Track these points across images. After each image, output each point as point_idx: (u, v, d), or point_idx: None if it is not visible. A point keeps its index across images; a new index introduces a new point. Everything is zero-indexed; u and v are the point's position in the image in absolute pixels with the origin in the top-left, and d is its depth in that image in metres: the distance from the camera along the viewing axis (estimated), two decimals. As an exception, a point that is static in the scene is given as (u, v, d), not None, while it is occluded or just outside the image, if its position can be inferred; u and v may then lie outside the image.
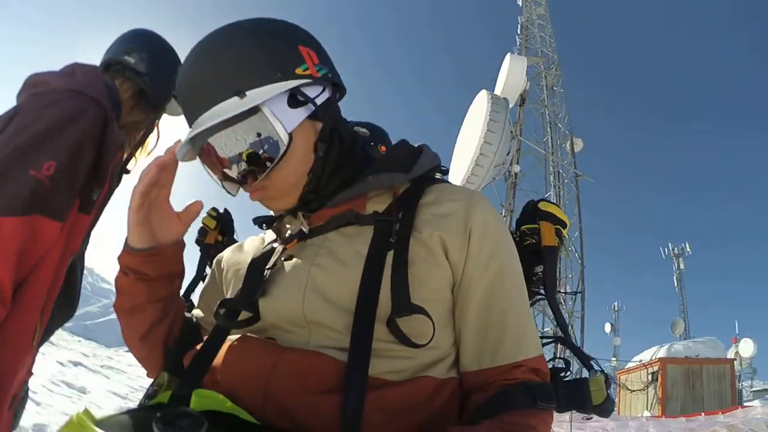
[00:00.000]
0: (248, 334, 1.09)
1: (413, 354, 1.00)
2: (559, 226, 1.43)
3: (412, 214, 1.12)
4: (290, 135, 1.08)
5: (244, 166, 1.11)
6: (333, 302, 1.03)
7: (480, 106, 19.66)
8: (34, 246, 1.57)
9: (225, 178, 1.16)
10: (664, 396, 21.16)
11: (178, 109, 1.83)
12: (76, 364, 10.19)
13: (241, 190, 1.18)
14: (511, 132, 20.23)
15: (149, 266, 1.17)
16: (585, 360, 1.25)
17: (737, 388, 22.29)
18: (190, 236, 1.82)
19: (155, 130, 2.26)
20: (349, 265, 1.05)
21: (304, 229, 1.15)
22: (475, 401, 1.03)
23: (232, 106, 1.05)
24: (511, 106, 20.47)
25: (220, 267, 1.36)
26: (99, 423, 0.68)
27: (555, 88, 24.15)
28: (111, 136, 1.80)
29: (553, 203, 1.49)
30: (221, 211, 2.21)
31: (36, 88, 1.77)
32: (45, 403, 6.99)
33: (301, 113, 1.11)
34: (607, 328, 37.72)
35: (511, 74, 21.49)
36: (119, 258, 1.19)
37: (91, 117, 1.73)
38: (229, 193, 1.18)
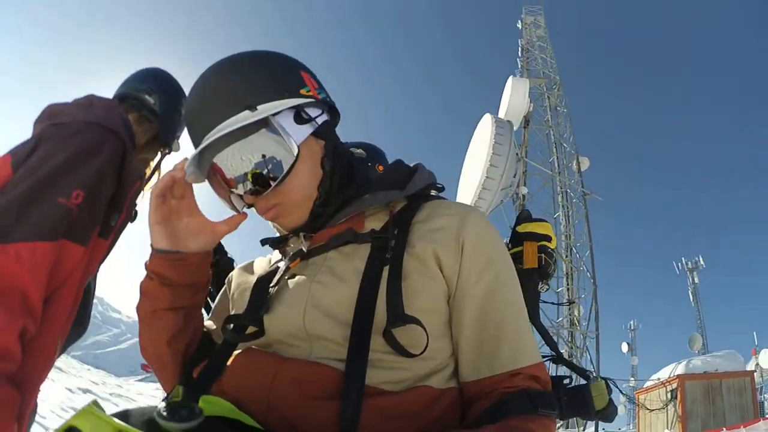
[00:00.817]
0: (253, 347, 1.13)
1: (409, 365, 1.03)
2: (544, 242, 1.45)
3: (407, 230, 1.15)
4: (298, 148, 1.14)
5: (249, 185, 1.16)
6: (332, 316, 1.06)
7: (485, 130, 19.71)
8: (60, 268, 1.65)
9: (232, 196, 1.21)
10: (684, 413, 20.77)
11: (178, 145, 2.02)
12: (85, 391, 10.13)
13: (252, 210, 1.23)
14: (517, 154, 20.19)
15: (173, 271, 1.18)
16: (581, 372, 1.28)
17: (759, 400, 21.88)
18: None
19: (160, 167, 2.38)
20: (348, 281, 1.08)
21: (303, 249, 1.19)
22: (476, 409, 1.04)
23: (243, 117, 1.11)
24: (515, 128, 20.51)
25: (230, 284, 1.41)
26: (119, 414, 0.73)
27: (558, 108, 24.15)
28: (130, 166, 1.89)
29: (535, 219, 1.52)
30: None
31: (55, 118, 1.86)
32: (53, 428, 6.82)
33: (307, 129, 1.19)
34: (624, 347, 37.14)
35: (514, 97, 21.54)
36: (146, 264, 1.21)
37: (111, 148, 1.82)
38: (235, 210, 1.21)
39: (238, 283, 1.35)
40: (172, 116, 2.29)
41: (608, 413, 1.19)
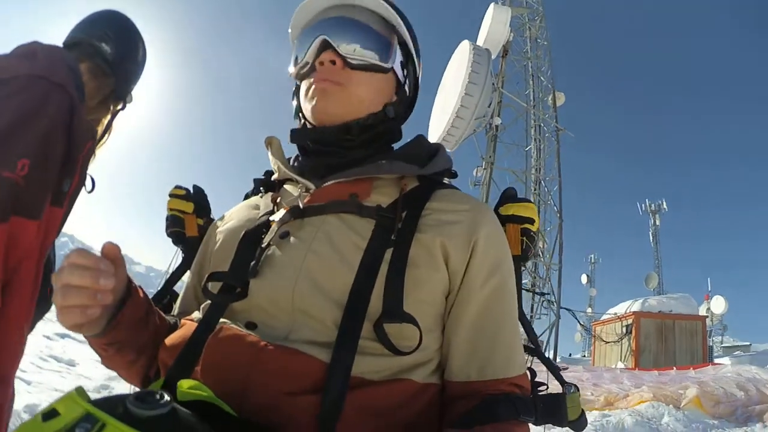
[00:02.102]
0: (228, 322, 1.03)
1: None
2: (527, 224, 1.40)
3: (418, 215, 1.12)
4: (391, 68, 1.25)
5: (344, 47, 1.19)
6: (324, 293, 1.01)
7: (462, 58, 19.52)
8: (15, 247, 1.55)
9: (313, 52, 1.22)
10: (638, 348, 21.66)
11: (131, 97, 2.12)
12: (62, 336, 9.99)
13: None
14: (493, 84, 20.12)
15: (115, 336, 1.07)
16: (555, 372, 1.31)
17: (708, 344, 22.83)
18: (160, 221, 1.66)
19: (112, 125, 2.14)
20: (346, 257, 1.04)
21: (300, 205, 1.13)
22: (459, 408, 1.02)
23: (396, 19, 1.26)
24: (493, 57, 20.30)
25: (211, 237, 1.32)
26: (93, 401, 0.70)
27: (539, 40, 23.86)
28: (80, 125, 1.71)
29: (519, 200, 1.45)
30: (190, 189, 1.75)
31: None
32: (35, 381, 6.82)
33: (401, 72, 1.29)
34: (584, 279, 38.78)
35: (494, 25, 21.29)
36: (90, 344, 1.13)
37: (57, 105, 1.65)
38: (298, 71, 1.26)
39: (222, 235, 1.26)
40: (129, 66, 2.05)
41: (579, 424, 1.21)
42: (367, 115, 1.21)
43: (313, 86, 1.20)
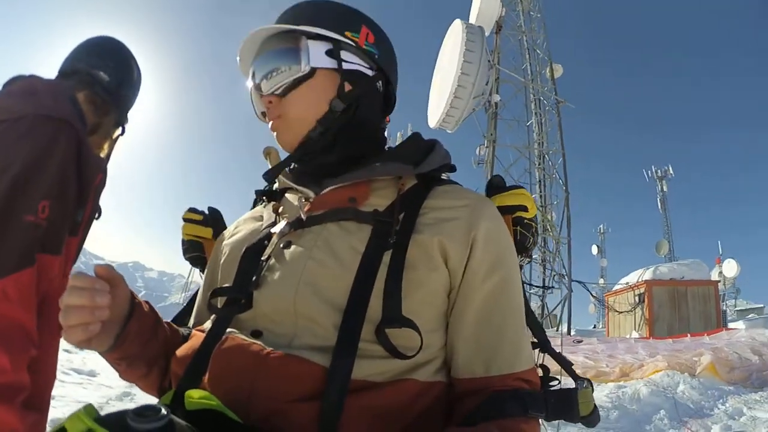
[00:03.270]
0: (235, 332, 1.06)
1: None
2: (519, 213, 1.37)
3: (415, 215, 1.12)
4: (313, 69, 1.21)
5: (266, 85, 1.24)
6: (325, 299, 1.03)
7: (455, 37, 19.38)
8: (41, 283, 1.62)
9: (257, 97, 1.30)
10: (651, 317, 21.62)
11: (127, 119, 2.18)
12: (81, 348, 10.10)
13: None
14: (489, 61, 19.93)
15: (125, 351, 1.13)
16: (567, 366, 1.28)
17: (721, 309, 22.77)
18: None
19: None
20: (345, 262, 1.05)
21: (302, 217, 1.15)
22: (465, 406, 1.02)
23: (285, 26, 1.23)
24: (486, 34, 20.19)
25: (219, 252, 1.35)
26: (96, 418, 0.72)
27: (532, 13, 23.60)
28: (88, 157, 1.79)
29: (509, 187, 1.42)
30: (206, 211, 1.74)
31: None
32: (59, 395, 6.80)
33: (329, 62, 1.23)
34: (594, 250, 38.86)
35: (486, 1, 21.06)
36: (106, 360, 1.18)
37: (66, 142, 1.70)
38: (260, 117, 1.32)
39: (227, 249, 1.30)
40: (126, 92, 2.12)
41: (592, 419, 1.18)
42: (315, 123, 1.22)
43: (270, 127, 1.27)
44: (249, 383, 0.95)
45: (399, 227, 1.09)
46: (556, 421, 1.17)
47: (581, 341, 14.17)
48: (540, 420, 1.08)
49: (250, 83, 1.30)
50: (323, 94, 1.23)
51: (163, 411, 0.71)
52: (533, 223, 1.39)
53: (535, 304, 22.67)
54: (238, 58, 1.31)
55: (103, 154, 2.13)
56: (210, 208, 1.72)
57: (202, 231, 1.67)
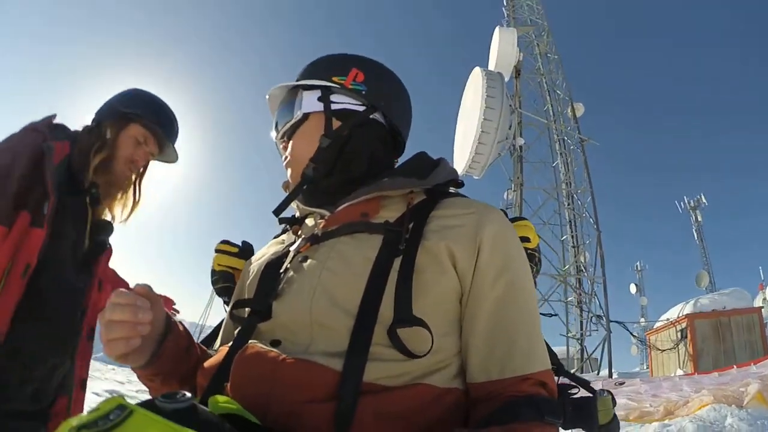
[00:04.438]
0: (255, 342, 1.10)
1: (410, 359, 1.01)
2: (524, 244, 1.35)
3: (423, 223, 1.15)
4: (305, 115, 1.35)
5: (278, 135, 1.42)
6: (338, 305, 1.05)
7: (475, 84, 19.62)
8: None
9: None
10: (695, 352, 20.97)
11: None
12: (111, 392, 10.08)
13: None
14: (510, 105, 20.14)
15: (160, 367, 1.18)
16: (583, 384, 1.27)
17: (767, 336, 22.06)
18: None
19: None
20: (357, 269, 1.08)
21: (317, 233, 1.21)
22: (481, 411, 1.02)
23: (289, 85, 1.42)
24: (506, 79, 20.39)
25: (245, 273, 1.42)
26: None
27: (549, 55, 23.92)
28: (51, 160, 1.97)
29: (512, 219, 1.47)
30: (239, 243, 1.85)
31: None
32: None
33: (318, 106, 1.35)
34: (632, 289, 37.77)
35: (503, 47, 21.43)
36: (138, 377, 1.23)
37: (27, 136, 1.99)
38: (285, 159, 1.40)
39: (252, 269, 1.36)
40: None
41: (611, 428, 1.19)
42: (308, 161, 1.33)
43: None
44: (267, 388, 0.98)
45: (408, 235, 1.12)
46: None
47: (623, 383, 13.83)
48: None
49: (273, 133, 1.46)
50: (315, 133, 1.34)
51: (188, 395, 0.76)
52: (536, 253, 1.45)
53: (573, 349, 22.29)
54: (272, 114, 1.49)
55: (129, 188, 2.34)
56: (244, 242, 1.82)
57: (235, 262, 1.76)
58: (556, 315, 20.94)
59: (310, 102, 1.36)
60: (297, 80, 1.39)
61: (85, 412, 0.74)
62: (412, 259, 1.08)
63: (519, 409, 0.99)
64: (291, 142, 1.37)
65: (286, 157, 1.38)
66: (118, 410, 0.70)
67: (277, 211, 1.36)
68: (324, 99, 1.36)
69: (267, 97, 1.46)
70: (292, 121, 1.36)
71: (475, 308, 1.10)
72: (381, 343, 1.00)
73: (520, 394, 1.03)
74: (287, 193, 1.38)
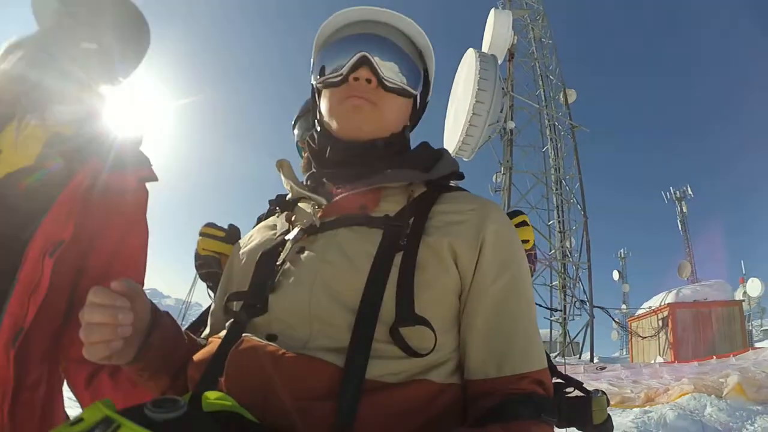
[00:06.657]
0: (250, 335, 1.06)
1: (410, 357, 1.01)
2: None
3: (424, 219, 1.14)
4: (415, 95, 1.34)
5: (382, 71, 1.25)
6: (338, 300, 1.04)
7: (468, 66, 19.59)
8: None
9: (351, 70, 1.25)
10: (676, 341, 21.30)
11: None
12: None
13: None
14: (503, 89, 20.14)
15: (148, 362, 1.14)
16: (577, 384, 1.25)
17: (747, 329, 22.41)
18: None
19: None
20: (358, 264, 1.07)
21: (315, 222, 1.18)
22: (479, 409, 1.02)
23: (418, 37, 1.36)
24: (500, 62, 20.34)
25: (234, 258, 1.37)
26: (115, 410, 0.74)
27: (543, 39, 23.90)
28: None
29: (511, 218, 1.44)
30: (225, 227, 1.73)
31: None
32: None
33: (417, 90, 1.34)
34: (615, 275, 38.30)
35: (497, 30, 21.34)
36: (125, 373, 1.20)
37: None
38: (332, 82, 1.27)
39: (242, 256, 1.31)
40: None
41: (606, 428, 1.17)
42: (390, 134, 1.29)
43: (347, 101, 1.25)
44: (265, 383, 0.96)
45: (409, 231, 1.11)
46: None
47: (605, 368, 13.99)
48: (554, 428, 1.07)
49: (351, 43, 1.28)
50: (404, 115, 1.33)
51: (181, 401, 0.73)
52: (532, 252, 1.44)
53: (556, 332, 22.50)
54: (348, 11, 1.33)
55: None
56: (230, 225, 1.73)
57: (222, 247, 1.67)
58: (559, 311, 21.15)
59: (418, 82, 1.34)
60: (418, 39, 1.35)
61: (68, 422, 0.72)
62: (413, 255, 1.06)
63: (517, 408, 0.99)
64: (388, 94, 1.26)
65: (373, 102, 1.24)
66: (103, 425, 0.68)
67: (275, 202, 1.37)
68: (423, 94, 1.39)
69: (379, 9, 1.32)
70: (409, 90, 1.30)
71: (475, 305, 1.10)
72: (381, 340, 0.99)
73: (518, 392, 1.03)
74: (282, 174, 1.35)
